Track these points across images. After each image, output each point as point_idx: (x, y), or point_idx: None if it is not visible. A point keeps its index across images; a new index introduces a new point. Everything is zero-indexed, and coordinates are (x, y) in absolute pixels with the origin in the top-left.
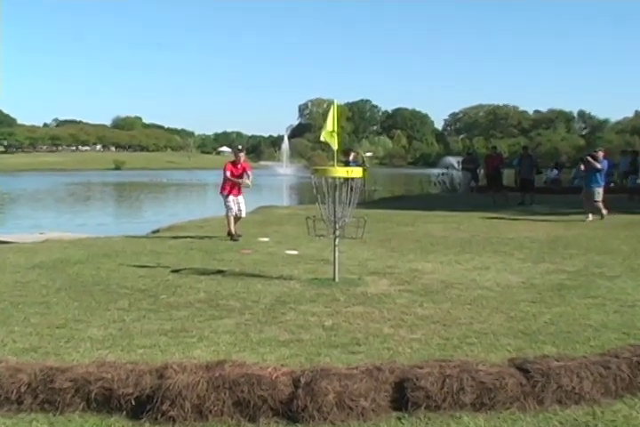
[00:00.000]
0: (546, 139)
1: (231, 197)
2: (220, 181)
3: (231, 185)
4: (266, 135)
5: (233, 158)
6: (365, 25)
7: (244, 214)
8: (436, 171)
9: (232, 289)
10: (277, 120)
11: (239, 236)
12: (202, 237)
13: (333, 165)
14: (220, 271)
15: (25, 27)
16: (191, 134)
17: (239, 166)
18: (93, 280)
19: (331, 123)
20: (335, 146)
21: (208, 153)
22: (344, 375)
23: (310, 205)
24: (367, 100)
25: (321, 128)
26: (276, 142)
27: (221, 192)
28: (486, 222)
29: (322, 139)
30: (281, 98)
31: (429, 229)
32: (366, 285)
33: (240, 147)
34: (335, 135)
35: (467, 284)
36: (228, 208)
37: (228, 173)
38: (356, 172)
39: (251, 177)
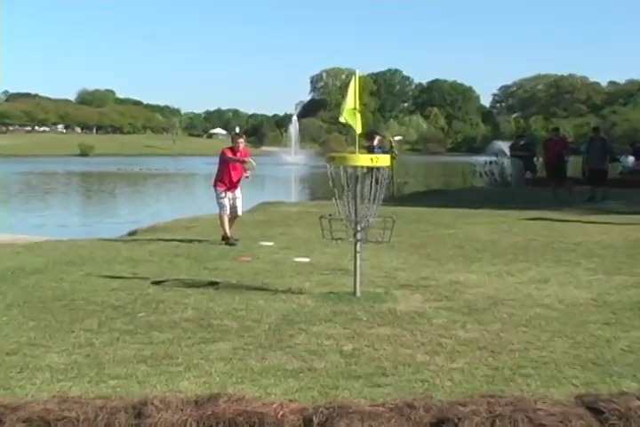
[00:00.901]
0: (623, 118)
1: (226, 193)
2: (214, 171)
3: (229, 178)
4: (270, 114)
5: (230, 144)
6: None
7: (240, 212)
8: (482, 159)
9: (227, 306)
10: (284, 96)
11: (236, 240)
12: (190, 241)
13: (354, 152)
14: (212, 283)
15: None
16: (176, 112)
17: (237, 155)
18: (54, 294)
19: (352, 99)
20: (358, 128)
21: (197, 136)
22: (367, 414)
23: (325, 201)
24: (396, 71)
25: (338, 105)
26: (282, 123)
27: (215, 185)
28: (546, 224)
29: (341, 119)
30: (289, 68)
31: (474, 232)
32: (395, 301)
33: (238, 130)
34: (358, 114)
35: (521, 300)
36: (221, 206)
37: (230, 155)
38: (383, 160)
39: (254, 163)
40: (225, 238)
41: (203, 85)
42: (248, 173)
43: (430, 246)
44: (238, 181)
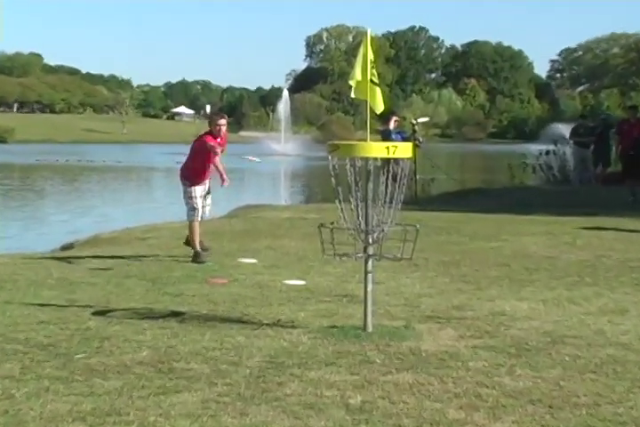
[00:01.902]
0: None
1: (198, 188)
2: (177, 163)
3: (205, 172)
4: (252, 88)
5: (205, 130)
6: None
7: (207, 214)
8: (535, 148)
9: (195, 344)
10: (271, 63)
11: (205, 250)
12: (144, 257)
13: (365, 139)
14: (175, 314)
15: None
16: (126, 85)
17: (219, 142)
18: None
19: (363, 68)
20: (379, 106)
21: (155, 117)
22: None
23: (325, 204)
24: (421, 30)
25: (343, 75)
26: (268, 100)
27: (184, 178)
28: (621, 235)
29: (352, 95)
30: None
31: (524, 246)
32: (419, 337)
33: (209, 108)
34: (377, 89)
35: (588, 337)
36: (192, 209)
37: (213, 143)
38: (403, 149)
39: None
40: (196, 254)
41: (161, 50)
42: (226, 183)
43: (466, 265)
44: (209, 173)
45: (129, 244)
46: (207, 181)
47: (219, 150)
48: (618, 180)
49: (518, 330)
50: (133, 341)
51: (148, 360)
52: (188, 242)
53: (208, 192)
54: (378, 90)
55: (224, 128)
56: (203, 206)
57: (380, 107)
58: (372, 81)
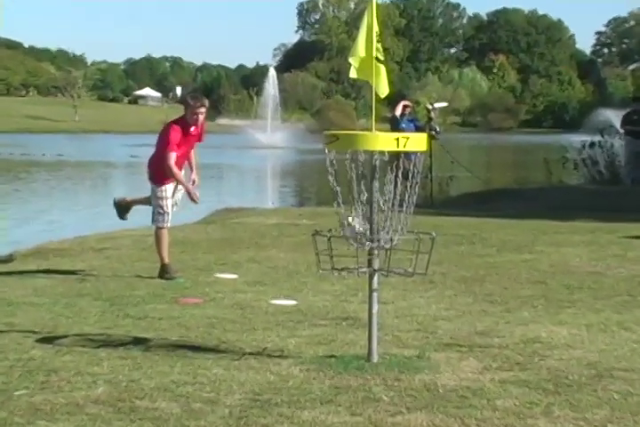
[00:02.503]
0: None
1: (169, 187)
2: (141, 157)
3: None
4: (231, 66)
5: (178, 116)
6: None
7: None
8: (578, 139)
9: (163, 377)
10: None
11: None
12: (101, 272)
13: (369, 128)
14: (138, 341)
15: None
16: (79, 62)
17: (192, 132)
18: None
19: (367, 41)
20: (383, 88)
21: (113, 101)
22: None
23: (321, 207)
24: None
25: (343, 50)
26: (251, 80)
27: (152, 175)
28: None
29: (353, 75)
30: None
31: (564, 259)
32: (435, 370)
33: (180, 91)
34: (381, 67)
35: None
36: (159, 212)
37: (173, 154)
38: (415, 141)
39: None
40: (162, 269)
41: (121, 19)
42: (195, 198)
43: (492, 282)
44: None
45: (81, 255)
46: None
47: (171, 159)
48: None
49: (556, 361)
50: (87, 374)
51: (105, 398)
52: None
53: (178, 198)
54: (383, 69)
55: (202, 116)
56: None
57: (384, 90)
58: (376, 58)
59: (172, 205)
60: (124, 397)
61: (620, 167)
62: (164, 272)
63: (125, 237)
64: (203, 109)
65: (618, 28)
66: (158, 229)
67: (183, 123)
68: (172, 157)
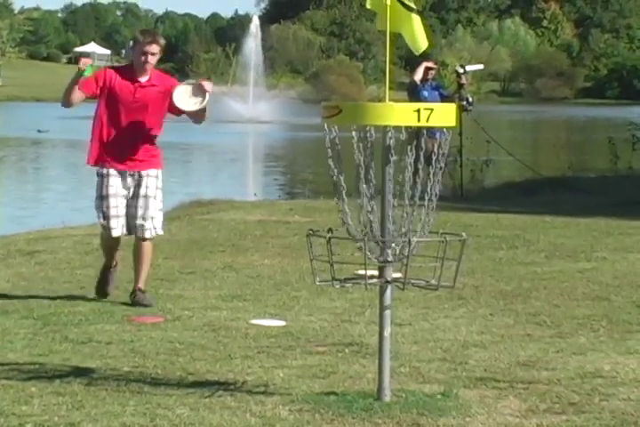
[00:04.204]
0: None
1: (109, 172)
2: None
3: (115, 136)
4: (202, 15)
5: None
6: None
7: (158, 231)
8: None
9: (111, 419)
10: None
11: (110, 268)
12: (32, 283)
13: (381, 98)
14: (80, 372)
15: None
16: (4, 9)
17: (145, 85)
18: None
19: None
20: (421, 42)
21: (48, 59)
22: None
23: (317, 200)
24: None
25: None
26: (228, 34)
27: (90, 158)
28: None
29: (379, 28)
30: None
31: (632, 269)
32: (465, 411)
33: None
34: (415, 18)
35: None
36: (97, 208)
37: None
38: (441, 114)
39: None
40: (100, 280)
41: None
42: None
43: (539, 298)
44: (142, 141)
45: (6, 260)
46: (134, 164)
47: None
48: None
49: (622, 401)
50: (12, 415)
51: None
52: (98, 285)
53: (138, 189)
54: (416, 18)
55: (153, 58)
56: (128, 213)
57: (422, 44)
58: (403, 4)
59: (131, 203)
60: None
61: None
62: (99, 286)
63: (64, 238)
64: (154, 47)
65: None
66: (102, 232)
67: (126, 69)
68: (101, 110)
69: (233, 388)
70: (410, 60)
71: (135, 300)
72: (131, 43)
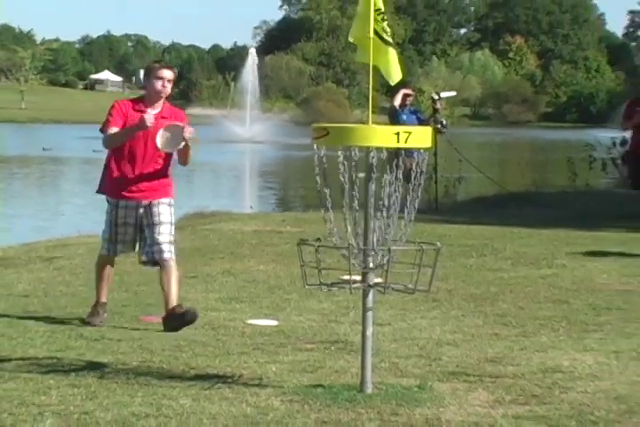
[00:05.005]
0: None
1: (118, 204)
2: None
3: (126, 167)
4: (204, 46)
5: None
6: None
7: (167, 255)
8: (607, 135)
9: (122, 408)
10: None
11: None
12: (50, 285)
13: (365, 121)
14: (93, 366)
15: None
16: (27, 40)
17: (157, 117)
18: None
19: (370, 18)
20: (394, 74)
21: (67, 86)
22: None
23: (307, 212)
24: None
25: (335, 30)
26: (227, 63)
27: (101, 189)
28: None
29: (358, 59)
30: None
31: (590, 275)
32: (438, 402)
33: (143, 76)
34: (391, 51)
35: None
36: (104, 232)
37: (113, 129)
38: (418, 136)
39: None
40: (93, 308)
41: None
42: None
43: (506, 301)
44: (155, 172)
45: (28, 265)
46: (144, 195)
47: (148, 121)
48: None
49: (580, 394)
50: (33, 404)
51: None
52: (175, 314)
53: (148, 219)
54: (392, 52)
55: (168, 85)
56: (144, 240)
57: (396, 75)
58: (382, 39)
59: (146, 232)
60: None
61: None
62: (92, 313)
63: (80, 245)
64: (169, 73)
65: None
66: (98, 257)
67: (138, 102)
68: (110, 131)
69: (230, 381)
70: (390, 88)
71: (180, 312)
72: (141, 73)
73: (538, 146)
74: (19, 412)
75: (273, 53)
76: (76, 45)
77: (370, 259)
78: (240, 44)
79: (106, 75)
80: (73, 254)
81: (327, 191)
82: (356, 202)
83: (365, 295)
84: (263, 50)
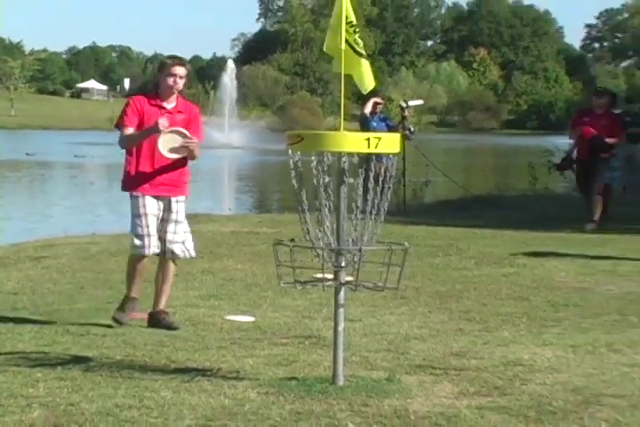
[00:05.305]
0: None
1: (148, 200)
2: (86, 156)
3: (148, 162)
4: (185, 57)
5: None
6: None
7: (180, 253)
8: (566, 141)
9: (106, 400)
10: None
11: (165, 315)
12: (38, 283)
13: (337, 128)
14: (79, 360)
15: None
16: (16, 50)
17: (172, 111)
18: None
19: (339, 31)
20: (367, 81)
21: (54, 94)
22: None
23: (283, 214)
24: None
25: (310, 42)
26: (207, 73)
27: (122, 181)
28: None
29: (334, 69)
30: None
31: (549, 274)
32: (406, 394)
33: (128, 84)
34: (363, 61)
35: (632, 397)
36: (134, 233)
37: (128, 129)
38: (388, 142)
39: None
40: (122, 302)
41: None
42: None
43: (470, 298)
44: (175, 166)
45: (17, 264)
46: (174, 194)
47: (124, 132)
48: None
49: (539, 386)
50: (21, 396)
51: (41, 423)
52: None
53: (172, 211)
54: (364, 62)
55: (181, 81)
56: (158, 235)
57: (369, 84)
58: (354, 50)
59: (163, 237)
60: (62, 422)
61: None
62: (122, 306)
63: (66, 245)
64: (181, 70)
65: (610, 20)
66: (130, 256)
67: (153, 97)
68: (125, 131)
69: (209, 374)
70: (361, 96)
71: (164, 323)
72: (125, 81)
73: (500, 152)
74: (8, 403)
75: (250, 64)
76: (64, 56)
77: (342, 258)
78: (219, 54)
79: (91, 84)
80: (60, 254)
81: (302, 194)
82: (329, 204)
83: (337, 293)
84: (241, 60)
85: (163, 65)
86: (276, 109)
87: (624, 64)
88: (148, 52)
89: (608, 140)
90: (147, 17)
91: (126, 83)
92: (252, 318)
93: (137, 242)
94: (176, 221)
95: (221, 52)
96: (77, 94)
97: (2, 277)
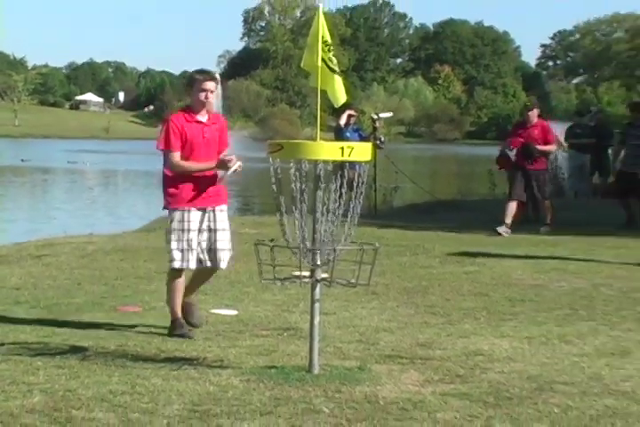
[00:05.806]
0: None
1: (188, 214)
2: (86, 163)
3: (192, 179)
4: (175, 72)
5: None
6: None
7: (222, 265)
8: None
9: (101, 387)
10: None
11: (191, 327)
12: (38, 279)
13: (313, 137)
14: (75, 349)
15: None
16: (19, 65)
17: (208, 124)
18: None
19: (315, 49)
20: (339, 96)
21: (55, 105)
22: None
23: (264, 216)
24: (385, 4)
25: (290, 58)
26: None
27: (164, 195)
28: (620, 258)
29: (310, 83)
30: None
31: (506, 271)
32: (376, 381)
33: (123, 97)
34: (336, 78)
35: (582, 384)
36: (172, 251)
37: (174, 154)
38: (360, 151)
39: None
40: (172, 324)
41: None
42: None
43: (434, 293)
44: (216, 177)
45: (19, 262)
46: (217, 207)
47: (174, 158)
48: (616, 194)
49: (497, 374)
50: (22, 383)
51: (41, 407)
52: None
53: (217, 227)
54: (337, 78)
55: (212, 95)
56: (205, 250)
57: (341, 98)
58: (329, 67)
59: (202, 248)
60: (61, 406)
61: (563, 180)
62: (173, 328)
63: (65, 245)
64: (212, 84)
65: (563, 41)
66: (169, 272)
67: (188, 112)
68: (175, 156)
69: (196, 363)
70: (336, 109)
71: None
72: (120, 94)
73: (463, 160)
74: (10, 389)
75: (234, 79)
76: (63, 70)
77: (317, 257)
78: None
79: (89, 96)
80: (59, 252)
81: (281, 198)
82: (306, 208)
83: (313, 289)
84: (226, 75)
85: (193, 80)
86: (258, 120)
87: (575, 81)
88: (141, 68)
89: (540, 147)
90: (140, 35)
91: (121, 95)
92: (235, 312)
93: (176, 255)
94: (223, 230)
95: (208, 68)
96: (76, 106)
97: (5, 273)
